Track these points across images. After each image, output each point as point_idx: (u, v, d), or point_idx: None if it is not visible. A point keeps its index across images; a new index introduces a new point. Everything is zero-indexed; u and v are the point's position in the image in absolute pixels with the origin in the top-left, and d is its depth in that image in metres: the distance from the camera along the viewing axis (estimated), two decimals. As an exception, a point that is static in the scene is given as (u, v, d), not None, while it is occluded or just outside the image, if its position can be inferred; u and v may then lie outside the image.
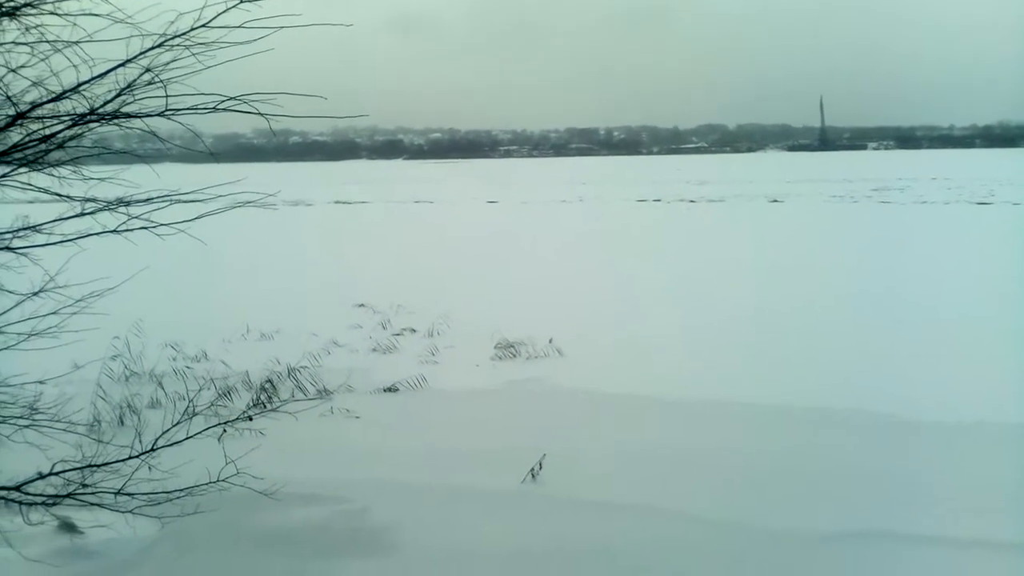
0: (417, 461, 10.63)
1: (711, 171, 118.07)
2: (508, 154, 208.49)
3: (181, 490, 7.17)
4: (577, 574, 7.82)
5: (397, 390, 14.01)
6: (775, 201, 61.89)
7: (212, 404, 8.85)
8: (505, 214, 55.08)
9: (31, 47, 5.47)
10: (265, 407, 11.13)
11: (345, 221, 52.54)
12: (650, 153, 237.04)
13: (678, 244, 37.36)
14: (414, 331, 18.54)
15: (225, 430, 7.94)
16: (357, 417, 12.54)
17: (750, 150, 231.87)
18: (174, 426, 7.09)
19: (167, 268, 19.94)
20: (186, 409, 7.31)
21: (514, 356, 16.13)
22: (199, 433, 7.35)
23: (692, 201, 63.77)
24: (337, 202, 68.84)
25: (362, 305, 21.40)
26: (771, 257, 31.28)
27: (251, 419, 8.02)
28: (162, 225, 6.58)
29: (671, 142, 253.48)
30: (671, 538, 8.38)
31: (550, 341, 16.54)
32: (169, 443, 7.12)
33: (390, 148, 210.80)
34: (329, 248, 37.34)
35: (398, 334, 18.26)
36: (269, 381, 13.78)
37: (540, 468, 9.85)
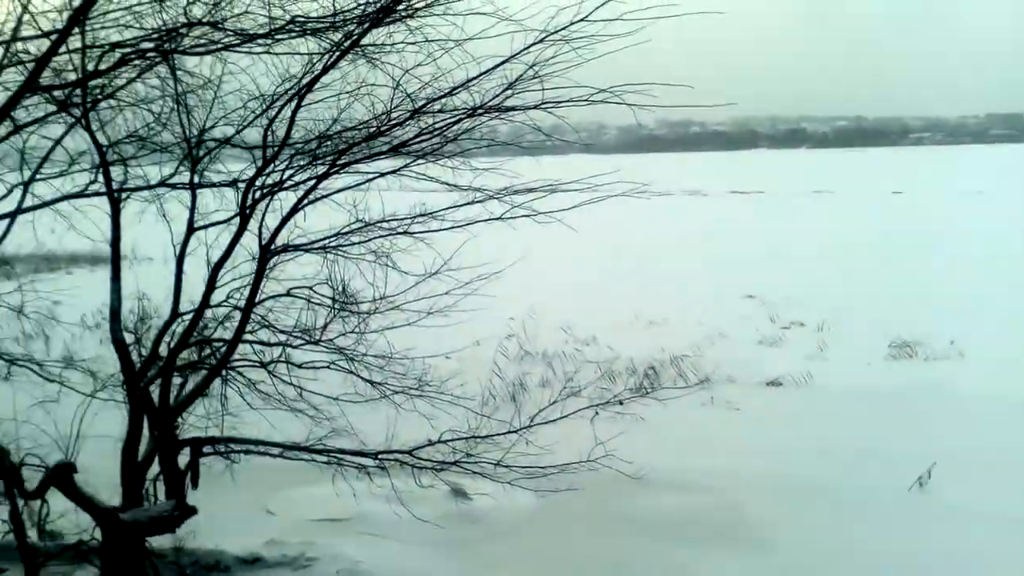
0: (798, 458, 10.31)
1: None
2: (919, 141, 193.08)
3: (555, 466, 7.42)
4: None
5: (781, 384, 13.64)
6: None
7: (591, 386, 9.09)
8: (909, 206, 51.14)
9: (419, 47, 5.89)
10: (646, 393, 11.30)
11: (739, 211, 51.75)
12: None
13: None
14: (803, 325, 17.94)
15: (597, 412, 8.15)
16: (737, 409, 12.38)
17: None
18: (550, 404, 7.39)
19: (559, 254, 20.80)
20: (562, 389, 7.58)
21: (910, 356, 15.04)
22: (573, 413, 7.60)
23: None
24: (733, 192, 68.05)
25: (751, 296, 21.05)
26: None
27: (621, 403, 8.15)
28: (543, 213, 6.83)
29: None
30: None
31: (951, 343, 15.19)
32: (545, 421, 7.40)
33: (792, 137, 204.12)
34: (721, 239, 37.00)
35: (786, 327, 17.78)
36: (652, 368, 13.97)
37: (929, 476, 9.12)
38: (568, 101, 6.13)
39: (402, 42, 6.02)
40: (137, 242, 12.14)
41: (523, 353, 15.39)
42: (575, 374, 8.55)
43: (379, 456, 7.29)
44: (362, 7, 5.64)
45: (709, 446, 10.88)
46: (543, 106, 6.06)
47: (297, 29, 5.60)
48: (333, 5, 5.62)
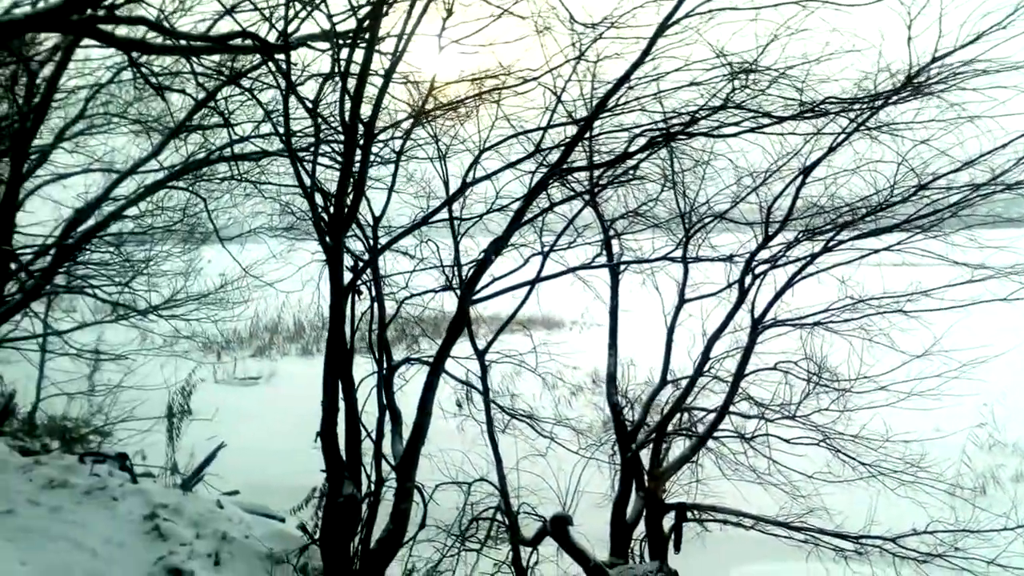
0: None
1: None
2: None
3: (1061, 575, 6.71)
4: None
5: None
6: None
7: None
8: None
9: (946, 123, 5.74)
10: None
11: None
12: None
13: None
14: None
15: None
16: None
17: None
18: (1059, 503, 6.74)
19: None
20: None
21: None
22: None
23: None
24: None
25: None
26: None
27: None
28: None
29: None
30: None
31: None
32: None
33: None
34: None
35: None
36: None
37: None
38: None
39: (912, 120, 5.89)
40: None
41: (993, 442, 14.11)
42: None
43: (860, 540, 7.03)
44: (893, 86, 5.63)
45: None
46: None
47: (820, 110, 5.69)
48: (866, 85, 5.67)
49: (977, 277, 6.55)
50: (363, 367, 7.13)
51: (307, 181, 6.42)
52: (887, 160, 6.26)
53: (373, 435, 6.77)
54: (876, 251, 6.71)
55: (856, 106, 5.79)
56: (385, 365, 6.99)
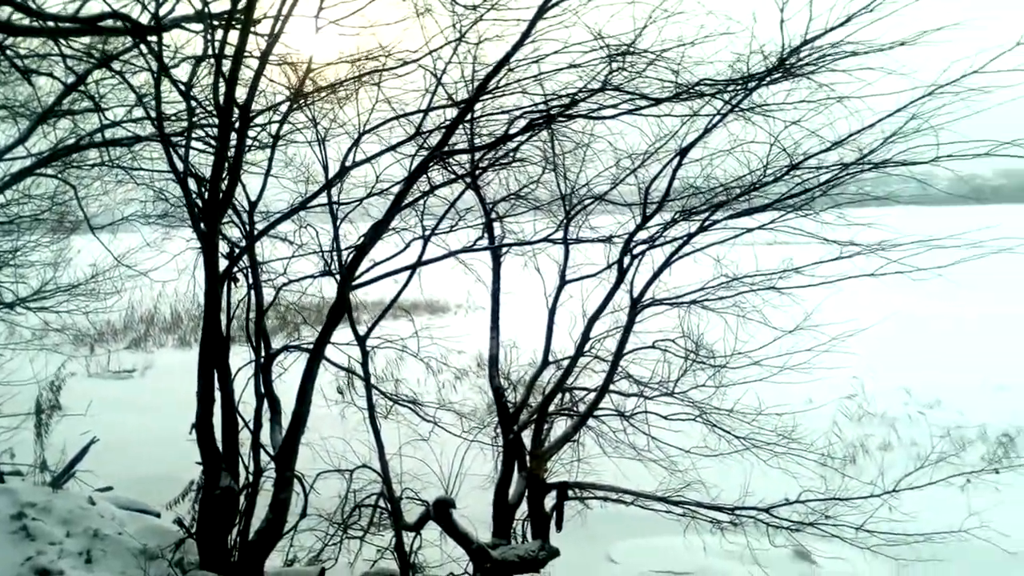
0: None
1: None
2: None
3: (921, 535, 7.04)
4: None
5: None
6: None
7: (949, 455, 8.57)
8: None
9: (816, 104, 5.91)
10: (1003, 461, 10.55)
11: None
12: None
13: None
14: None
15: (968, 480, 7.68)
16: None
17: None
18: (917, 469, 7.06)
19: (910, 311, 19.68)
20: (928, 455, 7.22)
21: None
22: (941, 480, 7.21)
23: None
24: (1085, 245, 61.27)
25: (1119, 360, 18.88)
26: None
27: (998, 472, 7.65)
28: (919, 270, 6.56)
29: None
30: None
31: None
32: (911, 487, 7.06)
33: None
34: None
35: None
36: (1007, 435, 12.91)
37: None
38: (964, 155, 5.88)
39: (784, 102, 6.05)
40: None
41: (862, 413, 14.73)
42: (940, 441, 8.05)
43: (735, 511, 7.24)
44: (765, 68, 5.76)
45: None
46: (938, 160, 5.85)
47: (695, 91, 5.80)
48: (739, 67, 5.79)
49: (846, 254, 6.77)
50: (241, 356, 6.99)
51: (180, 166, 6.24)
52: (760, 141, 6.42)
53: (251, 425, 6.65)
54: (750, 230, 6.89)
55: (730, 88, 5.93)
56: (263, 353, 6.86)
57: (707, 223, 6.66)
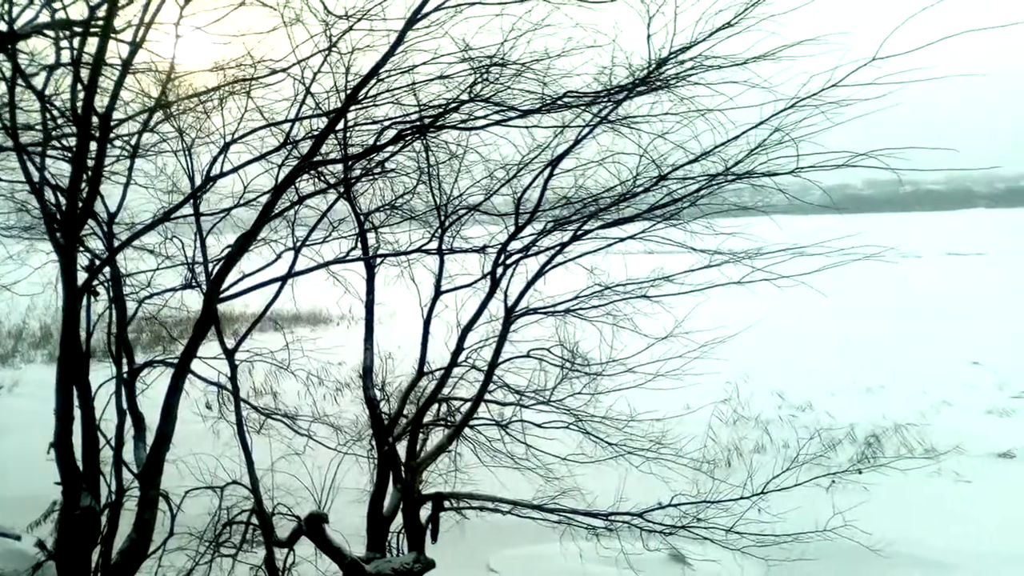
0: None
1: None
2: None
3: (789, 535, 7.26)
4: None
5: (1014, 457, 12.81)
6: None
7: (817, 456, 8.86)
8: None
9: (681, 116, 6.04)
10: (869, 462, 10.95)
11: (958, 274, 48.93)
12: None
13: None
14: (1037, 394, 16.78)
15: (834, 481, 7.94)
16: (968, 481, 11.70)
17: None
18: (784, 471, 7.27)
19: (782, 318, 20.28)
20: (795, 457, 7.45)
21: None
22: (808, 481, 7.44)
23: None
24: (949, 254, 64.51)
25: (976, 363, 19.90)
26: None
27: (860, 472, 7.92)
28: (783, 277, 6.76)
29: None
30: None
31: None
32: (779, 488, 7.27)
33: (1013, 196, 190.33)
34: (940, 302, 35.05)
35: (1016, 397, 16.69)
36: (874, 435, 13.43)
37: None
38: (824, 166, 6.09)
39: (650, 114, 6.17)
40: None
41: (737, 417, 15.12)
42: (807, 443, 8.34)
43: (610, 517, 7.33)
44: (631, 81, 5.85)
45: (940, 519, 10.31)
46: (798, 171, 6.04)
47: (562, 103, 5.86)
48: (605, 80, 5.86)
49: (715, 262, 6.93)
50: (104, 372, 6.76)
51: (36, 177, 6.01)
52: (630, 152, 6.54)
53: (113, 443, 6.42)
54: (621, 239, 7.00)
55: (598, 100, 6.01)
56: (126, 368, 6.64)
57: (579, 233, 6.74)
